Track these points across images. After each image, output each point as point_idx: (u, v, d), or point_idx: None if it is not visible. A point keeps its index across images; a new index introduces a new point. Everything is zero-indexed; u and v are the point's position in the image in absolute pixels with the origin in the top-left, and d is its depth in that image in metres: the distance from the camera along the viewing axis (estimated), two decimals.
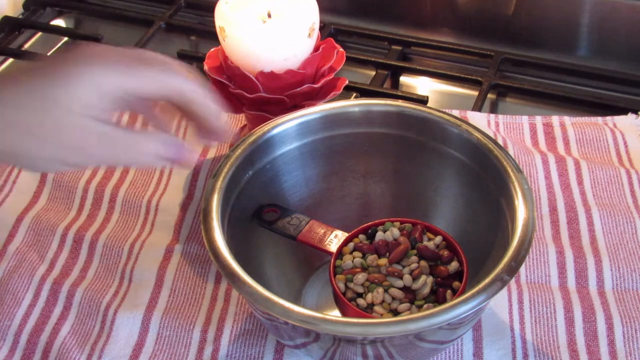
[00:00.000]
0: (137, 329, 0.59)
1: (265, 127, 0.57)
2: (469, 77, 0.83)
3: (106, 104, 0.43)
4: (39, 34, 0.98)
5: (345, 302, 0.52)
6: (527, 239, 0.48)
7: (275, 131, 0.57)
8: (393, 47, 0.89)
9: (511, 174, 0.52)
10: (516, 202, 0.51)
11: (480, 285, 0.46)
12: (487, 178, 0.55)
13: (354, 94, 0.81)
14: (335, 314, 0.54)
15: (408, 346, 0.49)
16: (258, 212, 0.57)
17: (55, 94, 0.42)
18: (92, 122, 0.42)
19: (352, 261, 0.54)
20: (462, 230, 0.57)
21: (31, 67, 0.44)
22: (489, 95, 0.81)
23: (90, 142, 0.43)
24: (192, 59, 0.88)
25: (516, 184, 0.52)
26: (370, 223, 0.56)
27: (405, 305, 0.51)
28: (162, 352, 0.57)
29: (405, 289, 0.52)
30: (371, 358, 0.49)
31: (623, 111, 0.76)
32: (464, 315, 0.45)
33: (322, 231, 0.56)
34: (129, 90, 0.44)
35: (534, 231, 0.49)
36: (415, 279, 0.51)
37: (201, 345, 0.58)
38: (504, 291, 0.59)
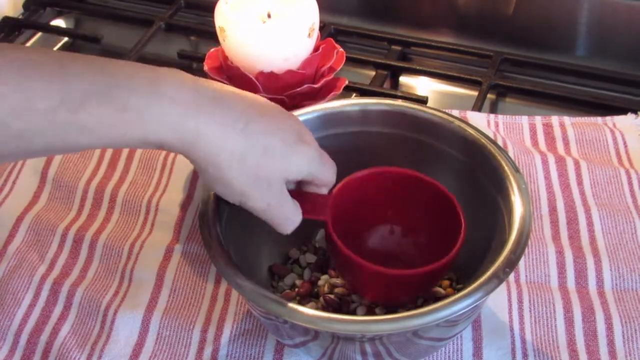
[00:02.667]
0: (137, 329, 0.59)
1: None
2: (469, 77, 0.83)
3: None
4: (39, 34, 0.98)
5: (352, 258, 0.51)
6: (525, 233, 0.48)
7: None
8: (393, 47, 0.89)
9: (506, 169, 0.53)
10: (512, 198, 0.51)
11: (478, 282, 0.46)
12: (483, 175, 0.55)
13: (354, 94, 0.81)
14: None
15: (406, 343, 0.49)
16: None
17: (284, 155, 0.47)
18: (283, 187, 0.48)
19: None
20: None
21: (273, 109, 0.49)
22: (489, 96, 0.81)
23: (272, 201, 0.48)
24: (192, 59, 0.88)
25: (512, 179, 0.52)
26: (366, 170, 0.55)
27: None
28: (162, 352, 0.57)
29: None
30: (370, 356, 0.49)
31: (623, 111, 0.76)
32: (462, 311, 0.45)
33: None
34: (313, 180, 0.51)
35: (531, 225, 0.49)
36: None
37: (201, 345, 0.58)
38: (504, 291, 0.59)
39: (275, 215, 0.49)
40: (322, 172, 0.50)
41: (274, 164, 0.46)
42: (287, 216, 0.49)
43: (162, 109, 0.43)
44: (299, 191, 0.52)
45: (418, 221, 0.56)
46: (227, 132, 0.45)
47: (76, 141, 0.42)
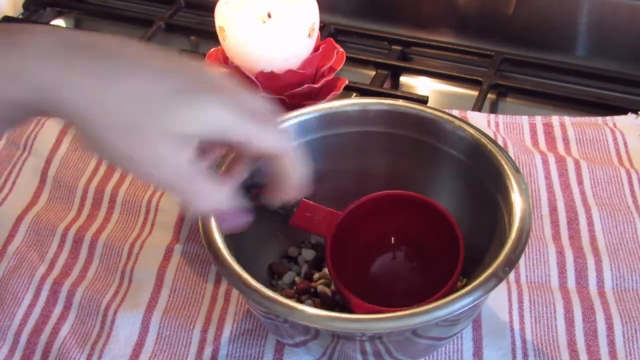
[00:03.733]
0: (137, 329, 0.59)
1: None
2: (469, 77, 0.83)
3: (202, 139, 0.40)
4: None
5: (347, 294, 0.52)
6: (525, 233, 0.48)
7: None
8: (393, 47, 0.89)
9: (506, 169, 0.53)
10: (512, 198, 0.51)
11: (478, 281, 0.46)
12: (483, 175, 0.55)
13: (354, 94, 0.81)
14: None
15: (406, 342, 0.49)
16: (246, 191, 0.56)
17: (167, 105, 0.38)
18: (176, 151, 0.39)
19: None
20: (459, 228, 0.57)
21: (162, 55, 0.41)
22: (489, 95, 0.81)
23: (166, 168, 0.39)
24: None
25: (512, 179, 0.52)
26: (366, 197, 0.56)
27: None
28: (162, 352, 0.57)
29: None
30: (370, 355, 0.49)
31: (623, 111, 0.76)
32: (462, 310, 0.45)
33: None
34: (238, 141, 0.41)
35: (531, 225, 0.49)
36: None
37: (201, 345, 0.58)
38: (504, 291, 0.59)
39: (179, 188, 0.41)
40: (248, 130, 0.40)
41: (162, 116, 0.38)
42: (194, 188, 0.41)
43: (19, 61, 0.37)
44: (310, 204, 0.53)
45: (419, 244, 0.56)
46: (95, 83, 0.38)
47: None
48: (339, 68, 0.66)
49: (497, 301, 0.59)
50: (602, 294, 0.59)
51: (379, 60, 0.86)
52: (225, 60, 0.64)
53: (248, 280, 0.47)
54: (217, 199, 0.42)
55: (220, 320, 0.59)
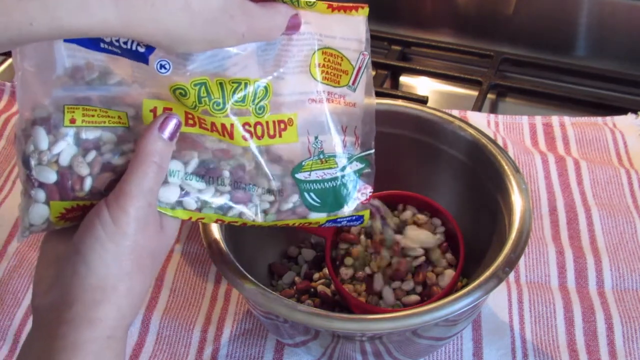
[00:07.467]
0: (137, 328, 0.59)
1: None
2: (469, 77, 0.83)
3: None
4: None
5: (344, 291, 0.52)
6: (525, 233, 0.48)
7: None
8: (393, 47, 0.89)
9: (506, 169, 0.53)
10: (512, 198, 0.51)
11: (478, 281, 0.46)
12: (483, 175, 0.55)
13: None
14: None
15: (406, 342, 0.49)
16: None
17: None
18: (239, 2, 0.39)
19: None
20: (459, 228, 0.57)
21: None
22: (489, 95, 0.81)
23: (237, 17, 0.39)
24: None
25: (512, 179, 0.52)
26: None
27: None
28: (162, 352, 0.57)
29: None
30: (370, 355, 0.49)
31: (623, 111, 0.76)
32: (462, 310, 0.45)
33: None
34: None
35: (531, 225, 0.49)
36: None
37: (201, 345, 0.58)
38: (504, 291, 0.59)
39: (256, 32, 0.41)
40: None
41: None
42: (265, 25, 0.41)
43: None
44: None
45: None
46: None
47: None
48: None
49: (497, 301, 0.59)
50: (602, 294, 0.59)
51: (379, 61, 0.86)
52: None
53: (248, 280, 0.47)
54: (280, 19, 0.42)
55: (220, 320, 0.59)
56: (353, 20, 0.44)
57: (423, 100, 0.78)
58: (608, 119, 0.75)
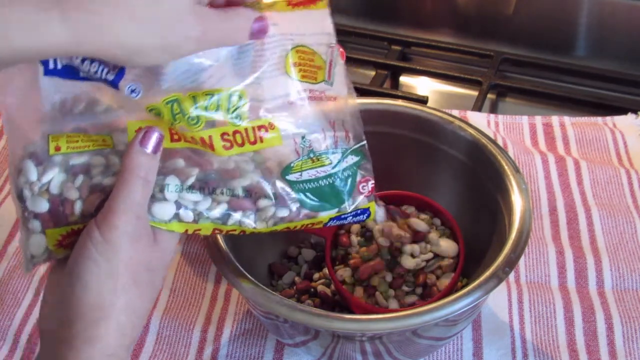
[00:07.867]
0: None
1: None
2: (469, 77, 0.83)
3: None
4: None
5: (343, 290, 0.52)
6: (525, 233, 0.48)
7: None
8: (393, 47, 0.89)
9: (506, 169, 0.53)
10: (512, 198, 0.51)
11: (478, 281, 0.46)
12: (483, 175, 0.55)
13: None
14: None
15: (406, 342, 0.49)
16: None
17: None
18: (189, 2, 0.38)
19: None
20: (459, 228, 0.57)
21: None
22: (489, 95, 0.81)
23: (189, 21, 0.38)
24: None
25: (512, 179, 0.52)
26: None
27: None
28: (162, 352, 0.57)
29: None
30: (370, 355, 0.49)
31: (623, 111, 0.76)
32: (462, 310, 0.45)
33: None
34: None
35: (531, 225, 0.49)
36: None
37: (201, 345, 0.58)
38: (504, 291, 0.59)
39: (215, 36, 0.40)
40: None
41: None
42: (225, 28, 0.40)
43: (20, 12, 0.35)
44: None
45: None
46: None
47: None
48: None
49: (497, 301, 0.59)
50: (602, 294, 0.59)
51: (379, 61, 0.86)
52: None
53: (248, 280, 0.47)
54: (245, 21, 0.41)
55: (220, 320, 0.59)
56: (317, 14, 0.44)
57: (423, 100, 0.78)
58: (608, 119, 0.75)
